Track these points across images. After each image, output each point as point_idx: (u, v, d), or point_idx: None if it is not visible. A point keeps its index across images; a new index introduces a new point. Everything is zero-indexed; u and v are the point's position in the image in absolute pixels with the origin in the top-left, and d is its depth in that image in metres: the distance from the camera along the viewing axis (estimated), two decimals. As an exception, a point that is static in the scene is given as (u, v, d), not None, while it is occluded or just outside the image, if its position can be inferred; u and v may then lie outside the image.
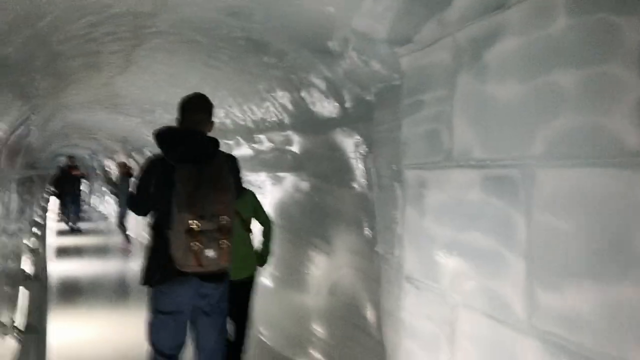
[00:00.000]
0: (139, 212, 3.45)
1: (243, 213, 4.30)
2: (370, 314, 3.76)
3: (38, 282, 5.34)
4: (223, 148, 6.57)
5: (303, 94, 4.15)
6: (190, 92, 6.18)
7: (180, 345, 3.30)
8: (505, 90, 2.06)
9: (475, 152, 2.25)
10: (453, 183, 2.41)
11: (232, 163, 3.49)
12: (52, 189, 16.96)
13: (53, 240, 13.18)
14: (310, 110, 4.22)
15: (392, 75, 3.03)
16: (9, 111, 3.73)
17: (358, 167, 3.79)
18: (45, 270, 6.51)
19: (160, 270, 3.19)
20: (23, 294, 5.08)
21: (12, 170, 5.52)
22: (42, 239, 8.87)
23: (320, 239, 4.62)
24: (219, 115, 6.16)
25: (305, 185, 4.87)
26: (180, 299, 3.21)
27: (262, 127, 5.35)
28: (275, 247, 5.64)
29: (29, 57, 3.02)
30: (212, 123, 3.46)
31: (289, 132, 4.86)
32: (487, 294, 2.17)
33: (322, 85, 3.84)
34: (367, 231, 3.80)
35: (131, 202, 3.44)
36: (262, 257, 4.42)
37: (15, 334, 3.63)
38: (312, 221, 4.79)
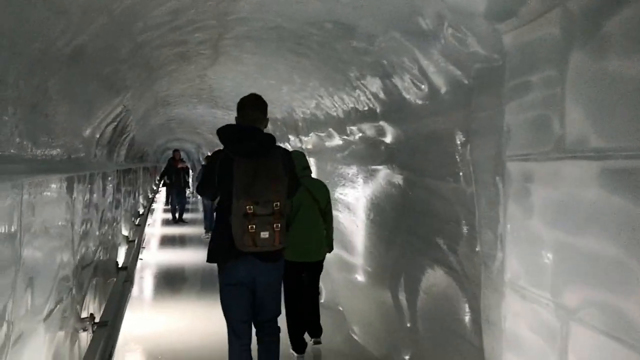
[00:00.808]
0: (206, 197, 4.12)
1: (321, 202, 4.94)
2: (468, 319, 3.43)
3: (127, 273, 5.36)
4: (315, 140, 6.38)
5: (395, 80, 3.86)
6: (281, 83, 6.08)
7: (248, 317, 3.79)
8: (633, 66, 1.69)
9: (592, 140, 1.89)
10: (564, 177, 2.06)
11: (286, 157, 3.82)
12: (161, 180, 17.62)
13: (156, 231, 13.64)
14: (403, 97, 3.93)
15: (493, 56, 2.69)
16: (98, 103, 3.72)
17: (455, 159, 3.46)
18: (136, 261, 6.64)
19: (223, 250, 3.65)
20: (109, 285, 5.13)
21: (111, 162, 5.62)
22: (140, 229, 9.10)
23: (414, 236, 4.33)
24: (310, 107, 6.00)
25: (398, 179, 4.58)
26: (241, 274, 3.68)
27: (354, 117, 5.11)
28: (367, 241, 5.46)
29: (108, 47, 2.94)
30: (267, 120, 3.88)
31: (381, 122, 4.58)
32: (607, 309, 1.81)
33: (414, 69, 3.54)
34: (465, 229, 3.47)
35: (199, 189, 3.96)
36: (330, 243, 5.13)
37: (91, 328, 3.62)
38: (405, 217, 4.51)
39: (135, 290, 6.81)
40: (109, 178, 5.65)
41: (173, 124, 12.31)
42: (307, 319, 5.13)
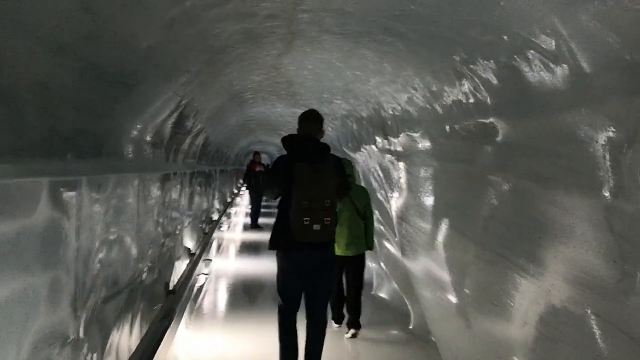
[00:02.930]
0: (270, 196, 4.66)
1: (359, 205, 5.96)
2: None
3: (174, 298, 4.58)
4: (406, 141, 5.50)
5: (518, 61, 2.93)
6: (369, 74, 5.24)
7: (298, 294, 4.48)
8: None
9: None
10: None
11: (338, 163, 4.63)
12: (243, 184, 17.19)
13: (234, 236, 13.10)
14: (527, 84, 2.99)
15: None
16: (139, 89, 3.02)
17: (604, 166, 2.51)
18: (191, 281, 5.74)
19: (282, 239, 4.38)
20: (155, 313, 4.30)
21: (171, 164, 4.95)
22: (207, 237, 8.31)
23: (527, 259, 3.42)
24: (401, 101, 5.13)
25: (509, 188, 3.66)
26: (296, 261, 4.39)
27: (455, 113, 4.20)
28: (461, 260, 4.62)
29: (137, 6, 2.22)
30: (323, 132, 4.69)
31: (492, 119, 3.66)
32: None
33: (549, 44, 2.61)
34: (609, 258, 2.54)
35: (265, 188, 4.70)
36: (370, 242, 6.14)
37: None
38: (516, 235, 3.59)
39: (199, 306, 6.15)
40: (165, 182, 4.93)
41: (252, 124, 11.72)
42: (349, 308, 6.05)
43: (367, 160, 7.62)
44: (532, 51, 2.75)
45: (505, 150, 3.69)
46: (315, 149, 4.47)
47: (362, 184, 6.80)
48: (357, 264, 6.05)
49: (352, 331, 5.96)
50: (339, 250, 5.60)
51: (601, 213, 2.57)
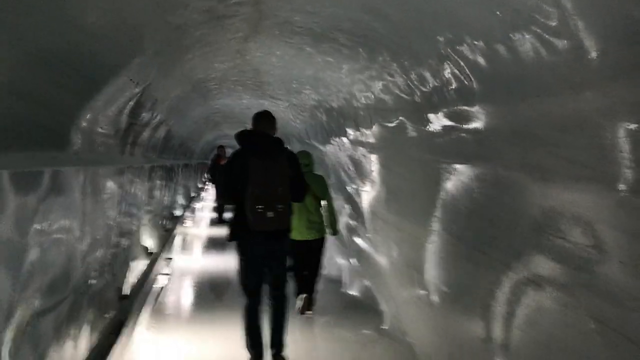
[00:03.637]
0: (226, 202, 4.94)
1: (318, 193, 6.19)
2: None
3: (131, 303, 4.16)
4: (380, 132, 5.22)
5: (513, 39, 2.63)
6: (342, 60, 4.92)
7: (258, 282, 4.68)
8: None
9: None
10: None
11: (291, 156, 4.80)
12: (208, 178, 16.70)
13: (198, 232, 12.64)
14: (522, 65, 2.69)
15: None
16: (85, 71, 2.63)
17: (613, 156, 2.23)
18: (148, 283, 5.24)
19: (240, 230, 4.55)
20: (107, 321, 3.83)
21: (130, 158, 4.54)
22: (169, 234, 7.80)
23: (515, 257, 3.17)
24: (375, 90, 4.83)
25: (502, 182, 3.39)
26: (253, 249, 4.60)
27: (437, 100, 3.90)
28: (441, 257, 4.37)
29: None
30: (275, 129, 4.86)
31: (478, 105, 3.38)
32: None
33: (550, 17, 2.31)
34: (616, 259, 2.29)
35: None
36: (334, 227, 6.38)
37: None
38: (503, 231, 3.35)
39: (159, 309, 5.73)
40: (119, 177, 4.46)
41: (218, 117, 11.30)
42: (308, 284, 6.41)
43: (337, 152, 7.31)
44: (532, 27, 2.45)
45: (493, 140, 3.41)
46: (267, 142, 4.69)
47: (322, 174, 6.72)
48: (317, 247, 6.41)
49: (302, 299, 6.30)
50: (299, 236, 6.03)
51: (610, 209, 2.29)
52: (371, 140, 5.64)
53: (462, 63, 3.25)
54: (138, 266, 5.50)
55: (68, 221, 2.88)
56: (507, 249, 3.30)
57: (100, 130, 3.60)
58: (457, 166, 3.96)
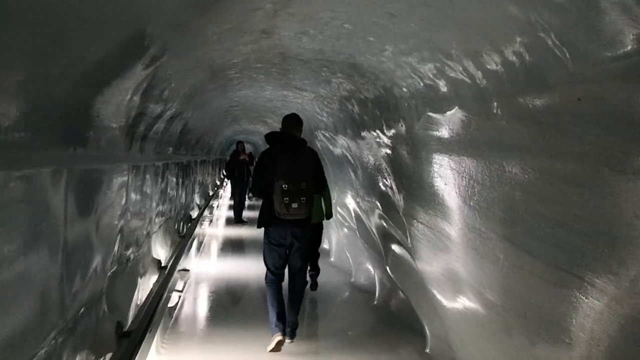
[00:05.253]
0: (257, 188, 5.66)
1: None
2: None
3: (132, 343, 3.35)
4: (426, 124, 4.50)
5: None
6: (385, 40, 4.23)
7: (282, 265, 5.58)
8: None
9: None
10: None
11: (313, 154, 5.77)
12: (225, 175, 16.06)
13: (211, 233, 11.98)
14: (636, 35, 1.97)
15: None
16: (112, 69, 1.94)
17: None
18: (156, 312, 4.27)
19: (268, 218, 5.44)
20: None
21: (137, 155, 3.86)
22: (185, 241, 7.05)
23: (596, 274, 2.49)
24: (426, 75, 4.11)
25: (573, 180, 2.71)
26: (279, 235, 5.46)
27: (507, 86, 3.19)
28: (496, 266, 3.70)
29: None
30: (301, 131, 5.76)
31: (559, 88, 2.66)
32: None
33: None
34: None
35: (253, 188, 5.92)
36: (329, 212, 7.53)
37: None
38: (582, 242, 2.67)
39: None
40: (120, 178, 3.59)
41: (237, 110, 10.61)
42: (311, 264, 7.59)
43: (369, 148, 6.58)
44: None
45: (577, 130, 2.70)
46: (293, 142, 5.52)
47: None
48: (319, 231, 7.89)
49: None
50: None
51: None
52: (415, 133, 4.92)
53: (548, 37, 2.52)
54: (147, 284, 4.74)
55: (41, 237, 2.17)
56: (590, 265, 2.63)
57: (103, 121, 2.93)
58: (533, 162, 3.24)
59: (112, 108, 2.92)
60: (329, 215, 7.51)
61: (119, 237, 3.30)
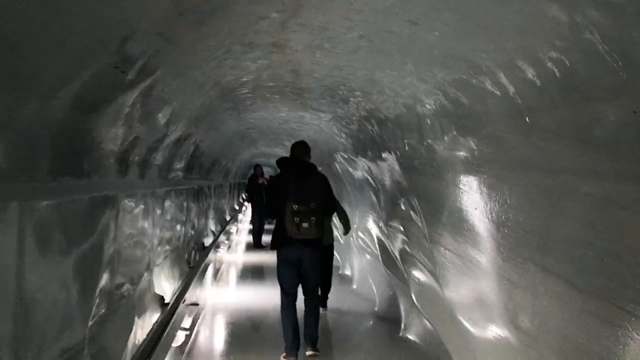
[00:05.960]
0: (270, 207, 6.19)
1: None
2: None
3: None
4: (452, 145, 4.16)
5: None
6: (405, 54, 3.89)
7: (295, 285, 5.84)
8: None
9: None
10: None
11: (323, 178, 6.07)
12: (245, 200, 15.76)
13: (229, 259, 11.62)
14: None
15: None
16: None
17: None
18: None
19: (280, 239, 5.76)
20: None
21: (136, 181, 3.52)
22: (194, 271, 6.58)
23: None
24: (449, 90, 3.75)
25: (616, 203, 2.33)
26: (292, 255, 5.74)
27: (545, 99, 2.82)
28: (534, 298, 3.29)
29: None
30: (310, 156, 6.15)
31: (614, 97, 2.28)
32: None
33: None
34: None
35: (269, 211, 6.68)
36: (347, 227, 7.86)
37: None
38: (635, 274, 2.29)
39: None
40: (109, 209, 3.17)
41: (253, 133, 10.31)
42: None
43: (390, 169, 6.21)
44: None
45: (617, 146, 2.33)
46: (304, 166, 5.91)
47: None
48: (330, 252, 7.91)
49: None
50: None
51: None
52: (440, 154, 4.55)
53: (596, 38, 2.15)
54: (146, 325, 4.25)
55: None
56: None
57: (90, 147, 2.61)
58: (578, 185, 2.85)
59: (100, 133, 2.60)
60: (347, 229, 7.84)
61: (106, 272, 2.93)
